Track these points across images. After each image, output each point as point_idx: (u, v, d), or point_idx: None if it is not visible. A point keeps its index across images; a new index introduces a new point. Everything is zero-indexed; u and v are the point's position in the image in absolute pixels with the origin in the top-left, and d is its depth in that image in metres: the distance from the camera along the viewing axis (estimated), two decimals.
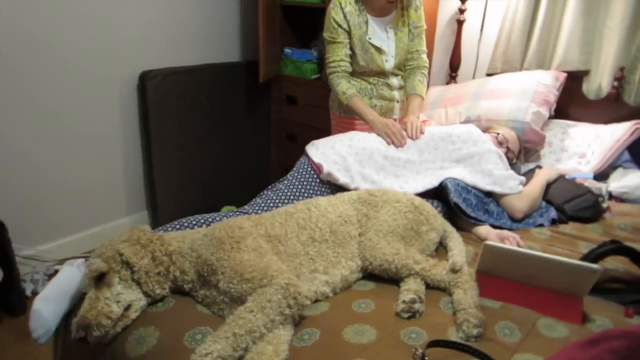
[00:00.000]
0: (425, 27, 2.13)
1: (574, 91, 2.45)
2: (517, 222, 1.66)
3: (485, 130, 1.99)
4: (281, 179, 1.69)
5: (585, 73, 2.43)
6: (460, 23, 2.72)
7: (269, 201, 1.58)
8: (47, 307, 1.17)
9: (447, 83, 2.86)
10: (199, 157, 2.84)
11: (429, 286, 1.26)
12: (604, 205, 1.78)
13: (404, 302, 1.16)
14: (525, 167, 2.07)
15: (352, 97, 1.97)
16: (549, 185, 1.81)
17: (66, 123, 2.36)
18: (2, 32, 2.04)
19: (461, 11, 2.68)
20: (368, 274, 1.34)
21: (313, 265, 1.26)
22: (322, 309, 1.19)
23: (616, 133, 2.07)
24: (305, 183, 1.64)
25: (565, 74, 2.33)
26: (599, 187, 1.87)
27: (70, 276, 1.24)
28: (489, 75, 2.64)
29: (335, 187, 1.66)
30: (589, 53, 2.40)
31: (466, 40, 2.80)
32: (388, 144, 1.81)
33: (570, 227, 1.66)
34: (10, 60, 2.10)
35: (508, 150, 1.91)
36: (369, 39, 1.96)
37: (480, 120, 2.22)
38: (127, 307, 1.13)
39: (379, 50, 1.99)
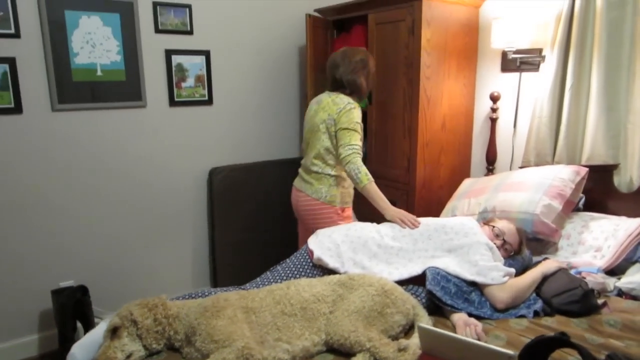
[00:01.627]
0: None
1: (609, 184, 2.45)
2: (499, 312, 1.73)
3: (486, 223, 2.11)
4: (281, 262, 1.98)
5: (615, 167, 2.43)
6: (493, 121, 2.90)
7: (265, 280, 1.87)
8: (80, 352, 1.56)
9: (485, 175, 2.99)
10: (254, 242, 3.25)
11: None
12: (600, 301, 1.76)
13: None
14: (539, 259, 2.11)
15: (372, 182, 2.26)
16: (546, 278, 1.85)
17: (148, 208, 2.94)
18: (100, 145, 2.73)
19: (493, 110, 2.88)
20: (333, 349, 1.53)
21: (278, 334, 1.50)
22: None
23: (630, 228, 2.04)
24: (299, 266, 1.90)
25: (586, 169, 2.36)
26: (602, 282, 1.85)
27: (103, 329, 1.63)
28: (522, 168, 2.74)
29: (328, 271, 1.89)
30: (615, 147, 2.42)
31: (502, 136, 2.95)
32: (403, 227, 2.04)
33: (552, 320, 1.68)
34: (107, 163, 2.76)
35: (505, 243, 1.99)
36: None
37: (495, 211, 2.32)
38: (129, 356, 1.46)
39: None
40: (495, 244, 1.97)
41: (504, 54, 2.78)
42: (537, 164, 2.66)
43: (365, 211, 2.53)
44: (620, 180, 2.42)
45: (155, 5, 2.76)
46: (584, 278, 1.86)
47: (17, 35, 2.39)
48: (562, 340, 1.28)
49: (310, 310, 1.57)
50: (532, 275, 1.83)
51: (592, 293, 1.75)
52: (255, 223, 3.24)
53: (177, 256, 3.10)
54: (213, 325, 1.44)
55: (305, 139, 2.54)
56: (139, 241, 2.95)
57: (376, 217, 2.24)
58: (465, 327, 1.57)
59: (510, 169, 2.88)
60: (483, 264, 1.79)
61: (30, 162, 2.53)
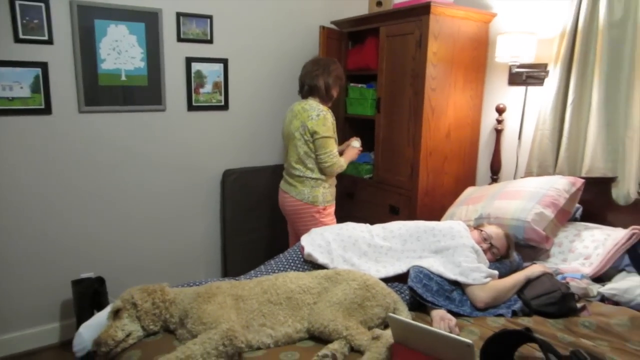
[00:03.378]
0: None
1: (607, 197, 2.48)
2: (479, 310, 1.80)
3: (476, 227, 2.18)
4: (275, 257, 2.11)
5: (613, 180, 2.47)
6: (498, 132, 2.97)
7: (258, 273, 1.99)
8: (86, 331, 1.71)
9: (490, 184, 3.05)
10: (263, 240, 3.39)
11: (355, 350, 1.52)
12: (580, 304, 1.81)
13: (317, 355, 1.45)
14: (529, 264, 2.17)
15: (345, 161, 2.75)
16: (530, 281, 1.91)
17: (165, 206, 3.12)
18: (122, 145, 2.93)
19: (498, 121, 2.95)
20: (315, 336, 1.64)
21: (263, 320, 1.62)
22: (258, 353, 1.53)
23: (617, 237, 2.08)
24: (291, 261, 2.02)
25: (582, 180, 2.41)
26: (585, 287, 1.89)
27: (108, 312, 1.78)
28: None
29: (318, 267, 2.00)
30: (614, 161, 2.46)
31: (506, 147, 3.01)
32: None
33: (529, 320, 1.74)
34: (128, 162, 2.96)
35: (492, 246, 2.06)
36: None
37: (490, 217, 2.39)
38: (128, 335, 1.61)
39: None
40: (482, 247, 2.05)
41: (511, 68, 2.85)
42: (539, 174, 2.71)
43: (361, 217, 2.66)
44: (618, 193, 2.45)
45: (178, 15, 2.96)
46: (568, 283, 1.91)
47: (50, 41, 2.62)
48: (523, 334, 1.36)
49: (295, 300, 1.69)
50: (515, 278, 1.90)
51: (571, 296, 1.81)
52: (264, 222, 3.39)
53: (191, 251, 3.27)
54: (203, 309, 1.57)
55: (284, 145, 2.83)
56: (155, 236, 3.13)
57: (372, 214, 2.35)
58: (440, 321, 1.65)
59: (514, 179, 2.93)
60: (466, 265, 1.87)
61: (57, 159, 2.74)
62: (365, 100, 3.31)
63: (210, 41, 3.10)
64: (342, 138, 3.54)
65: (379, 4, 3.26)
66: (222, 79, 3.18)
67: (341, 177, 3.45)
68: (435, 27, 2.74)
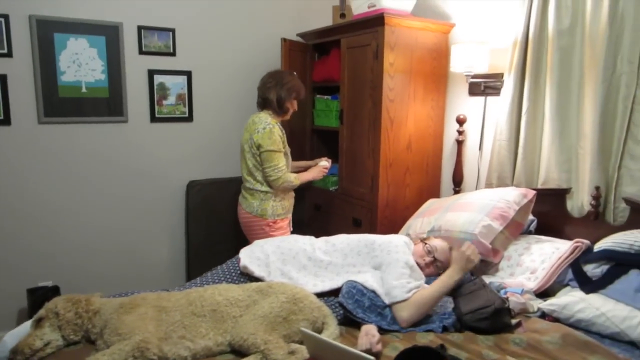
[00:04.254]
0: None
1: (563, 208, 2.45)
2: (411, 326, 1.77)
3: (423, 240, 2.15)
4: (213, 268, 2.09)
5: (568, 191, 2.44)
6: (459, 143, 2.95)
7: (193, 284, 1.97)
8: (11, 339, 1.70)
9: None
10: (227, 252, 3.36)
11: None
12: (516, 320, 1.77)
13: None
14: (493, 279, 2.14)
15: (298, 177, 2.69)
16: (467, 295, 1.87)
17: (127, 217, 3.13)
18: (83, 156, 2.95)
19: (459, 132, 2.93)
20: (237, 350, 1.62)
21: (183, 332, 1.59)
22: None
23: (561, 250, 2.05)
24: (227, 273, 2.00)
25: (534, 192, 2.37)
26: (523, 303, 1.85)
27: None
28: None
29: (255, 279, 1.97)
30: (568, 171, 2.43)
31: (468, 158, 2.99)
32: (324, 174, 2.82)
33: (459, 336, 1.70)
34: (89, 173, 2.97)
35: (435, 260, 2.03)
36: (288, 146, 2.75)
37: (441, 229, 2.36)
38: (47, 344, 1.59)
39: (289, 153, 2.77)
40: (425, 260, 2.02)
41: (466, 78, 2.83)
42: (498, 186, 2.68)
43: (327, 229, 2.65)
44: (573, 205, 2.42)
45: (140, 28, 2.99)
46: (507, 298, 1.88)
47: (9, 54, 2.65)
48: (432, 351, 1.33)
49: (220, 313, 1.67)
50: (441, 283, 1.83)
51: (505, 312, 1.76)
52: (229, 234, 3.37)
53: (154, 262, 3.26)
54: (122, 320, 1.56)
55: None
56: (117, 246, 3.13)
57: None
58: (364, 337, 1.62)
59: (476, 190, 2.90)
60: (391, 282, 1.83)
61: (17, 169, 2.76)
62: (330, 111, 3.31)
63: (173, 54, 3.13)
64: (310, 150, 3.55)
65: (343, 15, 3.27)
66: (185, 91, 3.20)
67: (309, 189, 3.45)
68: (391, 38, 2.74)
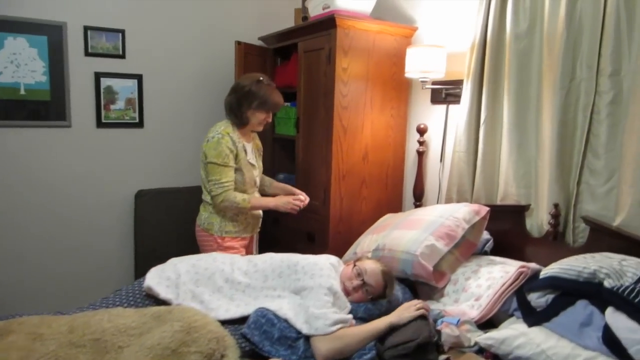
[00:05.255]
0: None
1: (523, 227, 2.24)
2: None
3: (356, 261, 1.95)
4: (118, 289, 1.89)
5: (527, 207, 2.22)
6: (420, 154, 2.75)
7: (92, 307, 1.78)
8: None
9: None
10: None
11: None
12: (444, 356, 1.56)
13: None
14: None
15: (251, 199, 2.34)
16: (397, 327, 1.67)
17: (72, 226, 2.97)
18: (23, 161, 2.80)
19: (420, 143, 2.73)
20: None
21: None
22: None
23: (506, 276, 1.83)
24: (131, 295, 1.80)
25: (487, 209, 2.17)
26: (457, 336, 1.64)
27: None
28: None
29: (163, 302, 1.78)
30: (527, 186, 2.23)
31: (430, 170, 2.79)
32: (297, 212, 2.38)
33: None
34: (30, 179, 2.82)
35: (365, 284, 1.83)
36: (249, 159, 2.38)
37: (385, 249, 2.15)
38: None
39: (254, 167, 2.42)
40: (353, 284, 1.82)
41: (422, 85, 2.62)
42: (459, 201, 2.48)
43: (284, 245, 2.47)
44: (532, 223, 2.21)
45: (86, 29, 2.85)
46: (439, 330, 1.67)
47: None
48: None
49: (103, 342, 1.48)
50: (373, 326, 1.64)
51: (432, 347, 1.56)
52: (181, 245, 3.16)
53: (100, 275, 3.08)
54: None
55: None
56: (60, 259, 2.96)
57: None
58: None
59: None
60: (312, 311, 1.63)
61: None
62: (289, 119, 3.13)
63: (123, 56, 2.98)
64: (271, 160, 3.35)
65: (305, 18, 3.10)
66: (136, 95, 3.05)
67: None
68: (345, 42, 2.56)
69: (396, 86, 2.80)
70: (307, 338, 1.61)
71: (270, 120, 2.45)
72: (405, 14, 2.86)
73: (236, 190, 2.34)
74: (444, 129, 2.68)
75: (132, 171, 3.10)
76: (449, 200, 2.55)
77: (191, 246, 3.08)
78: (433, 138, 2.77)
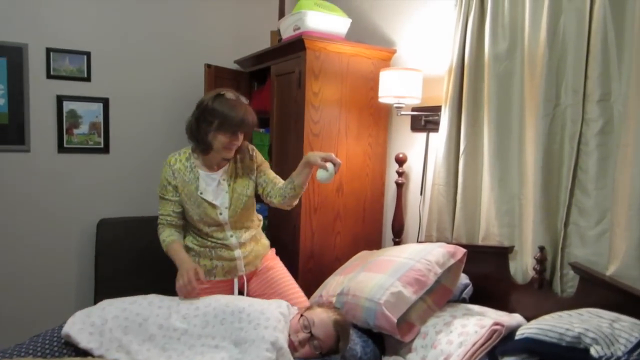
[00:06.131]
0: (266, 162, 2.13)
1: (507, 271, 1.98)
2: None
3: (307, 309, 1.70)
4: (38, 334, 1.66)
5: (510, 250, 1.97)
6: (399, 186, 2.51)
7: (2, 356, 1.55)
8: None
9: None
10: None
11: None
12: None
13: None
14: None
15: (171, 244, 1.92)
16: None
17: (26, 256, 2.78)
18: (2, 186, 2.64)
19: (399, 174, 2.50)
20: None
21: None
22: None
23: (478, 334, 1.56)
24: (48, 343, 1.57)
25: (464, 251, 1.92)
26: None
27: None
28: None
29: (84, 352, 1.56)
30: (510, 225, 1.97)
31: (411, 203, 2.56)
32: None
33: None
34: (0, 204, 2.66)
35: (312, 337, 1.58)
36: (201, 194, 1.92)
37: (349, 294, 1.90)
38: None
39: (211, 204, 1.93)
40: (299, 337, 1.57)
41: (397, 111, 2.40)
42: (439, 240, 2.23)
43: None
44: (517, 268, 1.95)
45: (48, 51, 2.72)
46: None
47: None
48: None
49: None
50: None
51: None
52: (146, 278, 2.94)
53: (56, 311, 2.84)
54: None
55: None
56: (13, 293, 2.76)
57: None
58: None
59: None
60: None
61: None
62: (264, 146, 2.93)
63: (88, 79, 2.83)
64: None
65: (280, 40, 2.94)
66: (101, 119, 2.89)
67: None
68: (315, 65, 2.38)
69: (374, 112, 2.59)
70: None
71: (238, 143, 1.95)
72: (383, 36, 2.67)
73: (192, 227, 2.01)
74: (424, 159, 2.45)
75: (95, 198, 2.92)
76: (428, 238, 2.30)
77: (155, 277, 2.87)
78: (414, 168, 2.54)
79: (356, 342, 1.71)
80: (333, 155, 1.85)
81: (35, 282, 2.81)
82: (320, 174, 1.85)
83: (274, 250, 2.26)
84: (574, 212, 1.74)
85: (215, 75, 2.87)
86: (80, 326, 1.58)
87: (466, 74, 2.07)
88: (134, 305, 1.68)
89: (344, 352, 1.62)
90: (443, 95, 2.18)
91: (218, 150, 1.90)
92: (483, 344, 1.50)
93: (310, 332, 1.57)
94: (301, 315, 1.64)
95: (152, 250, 2.88)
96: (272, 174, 2.11)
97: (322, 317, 1.61)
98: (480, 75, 2.04)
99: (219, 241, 1.96)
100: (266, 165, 2.11)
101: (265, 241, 2.20)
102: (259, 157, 2.10)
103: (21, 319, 2.77)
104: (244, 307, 1.63)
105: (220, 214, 1.94)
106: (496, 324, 1.52)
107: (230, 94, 1.92)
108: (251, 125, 1.92)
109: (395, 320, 1.70)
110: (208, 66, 2.83)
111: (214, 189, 1.95)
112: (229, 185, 1.97)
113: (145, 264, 2.94)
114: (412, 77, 2.21)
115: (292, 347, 1.57)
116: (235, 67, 3.16)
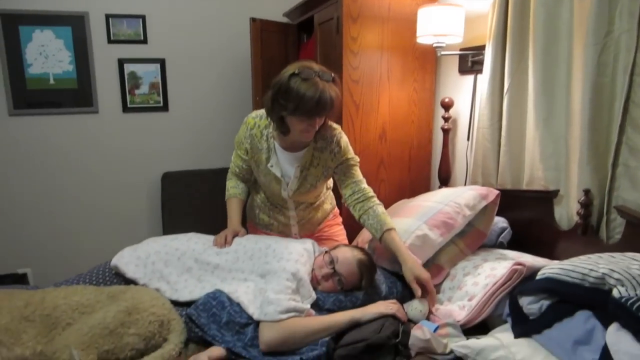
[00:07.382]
0: (354, 159, 1.91)
1: (549, 217, 1.87)
2: (268, 354, 1.42)
3: (333, 248, 1.75)
4: (95, 266, 1.87)
5: (555, 194, 1.85)
6: (445, 132, 2.43)
7: (68, 283, 1.77)
8: None
9: None
10: None
11: None
12: None
13: None
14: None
15: (231, 197, 1.98)
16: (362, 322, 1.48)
17: (101, 209, 3.11)
18: (54, 147, 2.95)
19: (445, 119, 2.41)
20: None
21: (3, 337, 1.42)
22: None
23: (497, 275, 1.51)
24: (100, 273, 1.77)
25: (497, 192, 1.84)
26: (427, 340, 1.38)
27: None
28: None
29: (132, 281, 1.73)
30: (556, 169, 1.85)
31: (459, 149, 2.47)
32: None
33: None
34: (62, 164, 2.97)
35: (335, 272, 1.62)
36: (271, 166, 1.82)
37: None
38: None
39: (277, 179, 1.85)
40: (323, 272, 1.63)
41: (436, 51, 2.28)
42: (485, 185, 2.15)
43: None
44: (562, 213, 1.83)
45: (107, 17, 2.90)
46: (404, 332, 1.44)
47: None
48: None
49: (54, 318, 1.47)
50: (331, 319, 1.47)
51: (387, 350, 1.35)
52: (207, 227, 3.16)
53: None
54: None
55: None
56: (91, 240, 3.10)
57: None
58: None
59: None
60: (268, 295, 1.50)
61: None
62: None
63: (145, 41, 3.00)
64: None
65: None
66: (159, 79, 3.06)
67: None
68: (353, 8, 2.32)
69: (419, 56, 2.49)
70: (258, 324, 1.48)
71: (317, 127, 1.70)
72: None
73: (263, 192, 2.00)
74: (471, 103, 2.33)
75: (158, 154, 3.14)
76: (474, 184, 2.22)
77: (216, 226, 3.08)
78: (462, 113, 2.43)
79: (382, 282, 1.73)
80: (430, 282, 1.62)
81: (107, 233, 3.14)
82: (413, 312, 1.59)
83: (337, 211, 2.18)
84: (624, 151, 1.58)
85: (262, 29, 2.89)
86: (127, 259, 1.77)
87: (511, 5, 1.91)
88: (174, 241, 1.83)
89: (367, 290, 1.65)
90: (487, 32, 2.04)
91: (295, 134, 1.72)
92: (503, 284, 1.46)
93: (334, 268, 1.63)
94: (326, 252, 1.69)
95: (211, 199, 3.10)
96: (353, 176, 1.90)
97: (346, 255, 1.66)
98: (526, 6, 1.87)
99: (278, 204, 2.00)
100: (348, 164, 1.88)
101: (327, 206, 2.10)
102: (340, 155, 1.85)
103: (100, 253, 3.12)
104: (270, 244, 1.71)
105: (284, 190, 1.88)
106: (517, 263, 1.46)
107: (307, 72, 1.60)
108: (330, 107, 1.63)
109: (421, 263, 1.69)
110: (253, 20, 2.85)
111: (285, 167, 1.84)
112: (301, 172, 1.83)
113: (207, 211, 3.14)
114: (452, 12, 2.09)
115: (316, 280, 1.64)
116: (285, 20, 3.15)
